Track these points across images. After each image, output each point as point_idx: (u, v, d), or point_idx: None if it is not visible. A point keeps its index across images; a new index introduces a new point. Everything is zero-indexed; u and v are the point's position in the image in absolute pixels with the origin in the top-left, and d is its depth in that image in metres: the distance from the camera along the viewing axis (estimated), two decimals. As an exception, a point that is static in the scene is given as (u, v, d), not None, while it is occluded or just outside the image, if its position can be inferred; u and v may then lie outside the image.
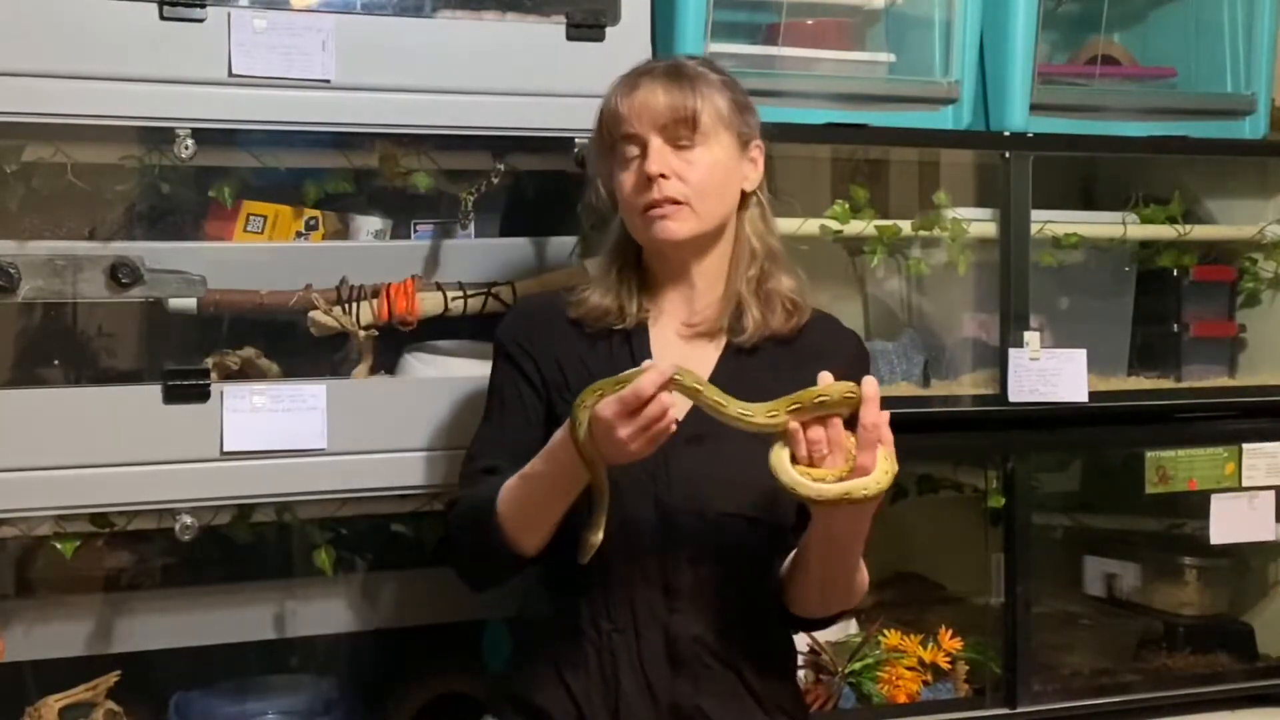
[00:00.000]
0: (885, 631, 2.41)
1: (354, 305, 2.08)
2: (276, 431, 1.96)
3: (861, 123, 2.33)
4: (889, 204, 2.50)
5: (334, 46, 1.98)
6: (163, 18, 1.90)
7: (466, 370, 2.11)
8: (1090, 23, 2.69)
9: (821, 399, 1.54)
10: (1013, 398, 2.37)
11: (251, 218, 2.20)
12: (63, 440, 1.89)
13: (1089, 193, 2.80)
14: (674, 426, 1.52)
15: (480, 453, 1.77)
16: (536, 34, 2.10)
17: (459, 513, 1.72)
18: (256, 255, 2.16)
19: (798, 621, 1.78)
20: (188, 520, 1.93)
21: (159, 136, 1.97)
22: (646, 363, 1.55)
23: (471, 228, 2.23)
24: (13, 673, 2.04)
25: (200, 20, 1.92)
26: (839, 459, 1.55)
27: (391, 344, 2.16)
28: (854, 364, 1.79)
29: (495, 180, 2.18)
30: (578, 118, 2.03)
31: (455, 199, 2.20)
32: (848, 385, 1.54)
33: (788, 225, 2.21)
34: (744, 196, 1.78)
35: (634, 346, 1.75)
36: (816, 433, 1.54)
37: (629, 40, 2.12)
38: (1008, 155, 2.39)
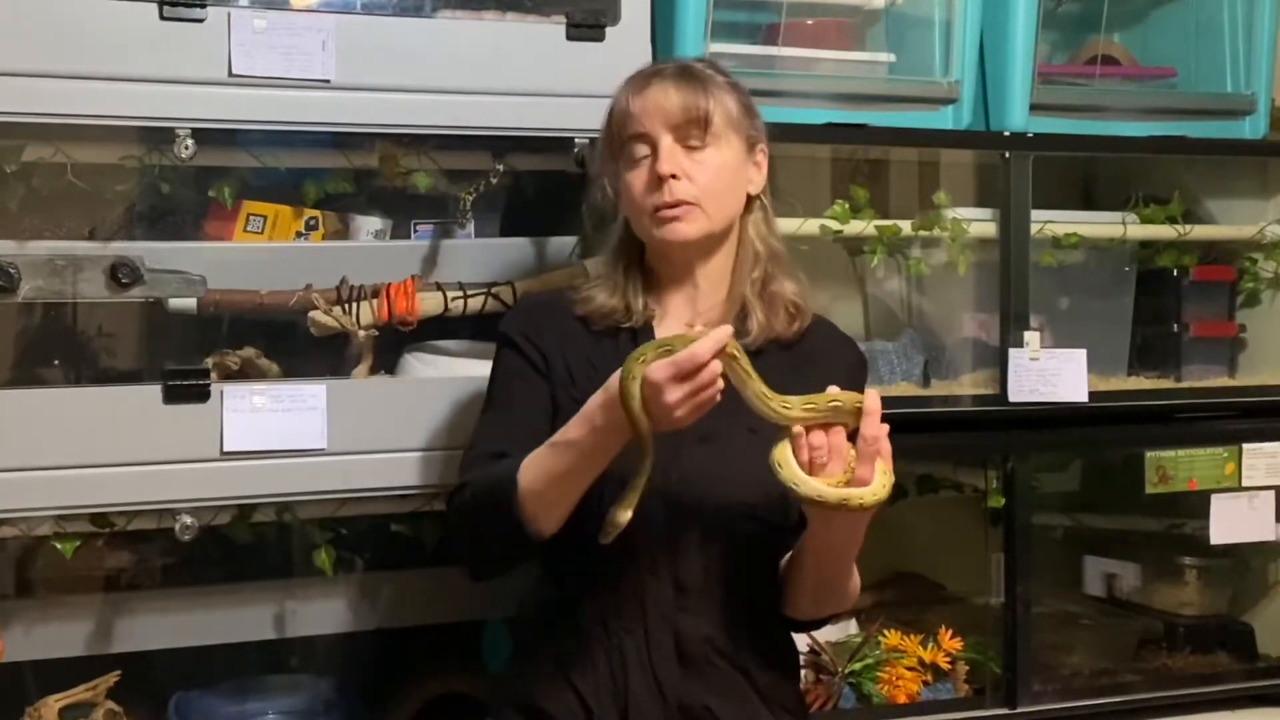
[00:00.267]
0: (885, 631, 2.41)
1: (354, 305, 2.08)
2: (276, 431, 1.96)
3: (861, 123, 2.33)
4: (889, 204, 2.50)
5: (334, 46, 1.97)
6: (163, 18, 1.90)
7: (466, 370, 2.10)
8: (1090, 23, 2.69)
9: (835, 403, 1.55)
10: (1013, 398, 2.37)
11: (251, 218, 2.20)
12: (63, 440, 1.89)
13: (1089, 193, 2.80)
14: (719, 397, 1.52)
15: (485, 440, 1.74)
16: (536, 34, 2.10)
17: (469, 495, 1.67)
18: (256, 255, 2.15)
19: (790, 622, 1.78)
20: (188, 520, 1.93)
21: (159, 136, 1.97)
22: (698, 327, 1.54)
23: (471, 228, 2.23)
24: (13, 673, 2.04)
25: (200, 20, 1.92)
26: (838, 468, 1.55)
27: (391, 344, 2.15)
28: (854, 371, 1.81)
29: (494, 180, 2.18)
30: (578, 118, 2.04)
31: (455, 199, 2.20)
32: (859, 395, 1.55)
33: (788, 225, 2.21)
34: (748, 200, 1.78)
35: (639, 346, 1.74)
36: (819, 438, 1.54)
37: (629, 40, 2.12)
38: (1008, 155, 2.39)
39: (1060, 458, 2.76)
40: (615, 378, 1.54)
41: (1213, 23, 2.63)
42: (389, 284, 2.10)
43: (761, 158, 1.78)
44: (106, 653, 2.07)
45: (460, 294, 2.14)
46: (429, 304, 2.12)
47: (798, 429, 1.54)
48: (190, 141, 1.91)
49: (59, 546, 1.94)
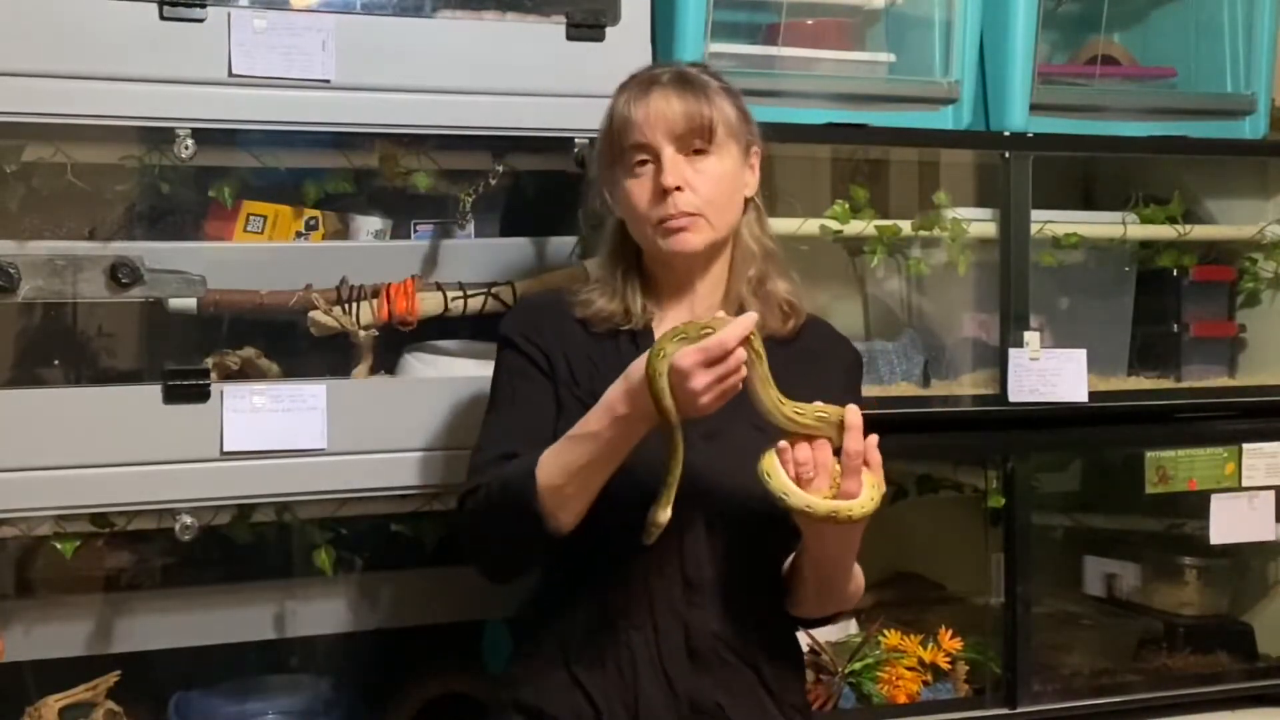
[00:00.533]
0: (885, 631, 2.41)
1: (354, 305, 2.08)
2: (276, 431, 1.96)
3: (861, 123, 2.33)
4: (889, 204, 2.50)
5: (334, 46, 1.98)
6: (163, 18, 1.90)
7: (466, 370, 2.11)
8: (1090, 23, 2.70)
9: (821, 415, 1.55)
10: (1013, 398, 2.37)
11: (251, 218, 2.20)
12: (63, 440, 1.89)
13: (1089, 193, 2.80)
14: (740, 386, 1.52)
15: (493, 441, 1.73)
16: (536, 34, 2.10)
17: (484, 496, 1.65)
18: (256, 255, 2.15)
19: (796, 620, 1.78)
20: (188, 520, 1.93)
21: (159, 136, 1.97)
22: (720, 314, 1.54)
23: (471, 228, 2.23)
24: (13, 673, 2.04)
25: (200, 20, 1.92)
26: (824, 483, 1.56)
27: (391, 344, 2.15)
28: (851, 370, 1.82)
29: (494, 180, 2.18)
30: (577, 118, 2.04)
31: (455, 199, 2.20)
32: (843, 410, 1.55)
33: (788, 225, 2.22)
34: (744, 202, 1.78)
35: (641, 347, 1.73)
36: (804, 453, 1.55)
37: (629, 40, 2.12)
38: (1008, 155, 2.39)
39: (1060, 458, 2.76)
40: (636, 367, 1.54)
41: (1213, 23, 2.63)
42: (389, 284, 2.10)
43: (755, 160, 1.78)
44: (106, 653, 2.07)
45: (460, 294, 2.14)
46: (429, 304, 2.11)
47: (783, 443, 1.55)
48: (190, 141, 1.92)
49: (59, 546, 1.94)
